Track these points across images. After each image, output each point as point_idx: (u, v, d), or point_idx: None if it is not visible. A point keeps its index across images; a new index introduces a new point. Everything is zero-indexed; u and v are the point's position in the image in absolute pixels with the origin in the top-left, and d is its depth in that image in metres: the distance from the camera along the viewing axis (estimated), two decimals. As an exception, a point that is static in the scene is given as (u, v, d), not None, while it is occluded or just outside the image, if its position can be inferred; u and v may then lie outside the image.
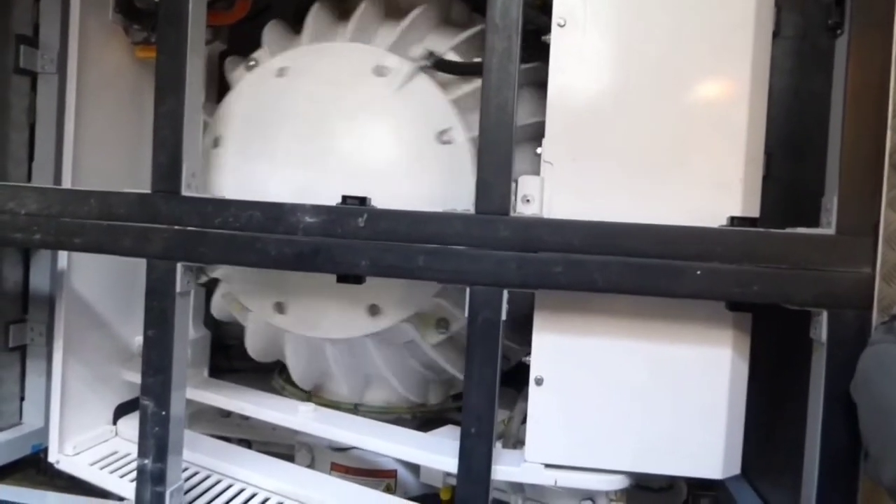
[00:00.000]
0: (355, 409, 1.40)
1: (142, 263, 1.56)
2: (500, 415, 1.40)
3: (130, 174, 1.51)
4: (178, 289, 1.09)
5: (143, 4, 1.37)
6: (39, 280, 1.46)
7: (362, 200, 1.06)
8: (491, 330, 1.02)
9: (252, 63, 1.34)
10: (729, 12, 1.04)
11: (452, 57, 1.27)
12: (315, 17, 1.35)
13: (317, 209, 1.05)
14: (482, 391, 1.02)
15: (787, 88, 1.16)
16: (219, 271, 1.32)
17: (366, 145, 1.21)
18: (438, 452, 1.17)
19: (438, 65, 1.24)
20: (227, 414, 1.67)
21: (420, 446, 1.20)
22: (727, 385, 1.06)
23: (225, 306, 1.46)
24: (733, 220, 1.00)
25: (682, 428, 1.07)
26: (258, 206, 1.07)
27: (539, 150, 1.09)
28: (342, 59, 1.27)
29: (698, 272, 0.96)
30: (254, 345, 1.45)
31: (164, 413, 1.09)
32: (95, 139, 1.43)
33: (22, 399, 1.49)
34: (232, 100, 1.31)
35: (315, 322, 1.29)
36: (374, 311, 1.25)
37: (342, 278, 1.08)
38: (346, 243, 1.04)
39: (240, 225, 1.06)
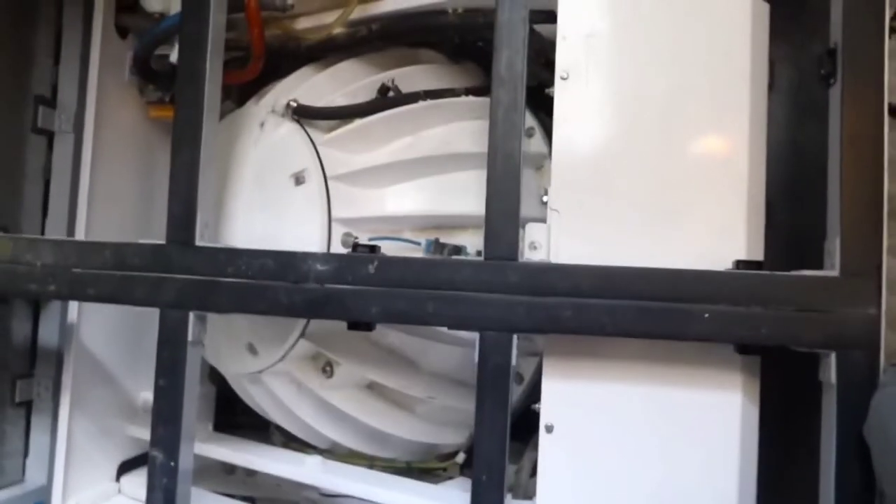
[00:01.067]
0: (322, 454, 1.39)
1: (149, 317, 1.61)
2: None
3: (140, 229, 1.55)
4: (189, 338, 1.10)
5: (159, 66, 1.42)
6: (48, 335, 1.46)
7: (372, 248, 1.08)
8: (501, 375, 1.02)
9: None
10: (727, 64, 1.08)
11: (341, 101, 1.34)
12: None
13: (327, 257, 1.06)
14: (493, 438, 1.02)
15: (784, 140, 1.19)
16: None
17: (240, 192, 1.30)
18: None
19: (297, 112, 1.31)
20: (231, 471, 1.66)
21: (432, 498, 1.19)
22: (739, 431, 1.05)
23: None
24: (739, 264, 1.01)
25: (695, 475, 1.06)
26: (270, 254, 1.08)
27: (545, 199, 1.11)
28: (242, 120, 1.37)
29: (706, 315, 0.97)
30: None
31: (172, 464, 1.09)
32: (108, 195, 1.47)
33: (25, 456, 1.47)
34: None
35: (216, 357, 1.36)
36: (252, 349, 1.29)
37: (353, 325, 1.09)
38: (357, 290, 1.05)
39: (252, 273, 1.08)
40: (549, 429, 1.08)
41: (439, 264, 1.05)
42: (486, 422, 1.02)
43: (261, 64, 1.31)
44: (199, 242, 1.11)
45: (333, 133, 1.30)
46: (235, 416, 1.75)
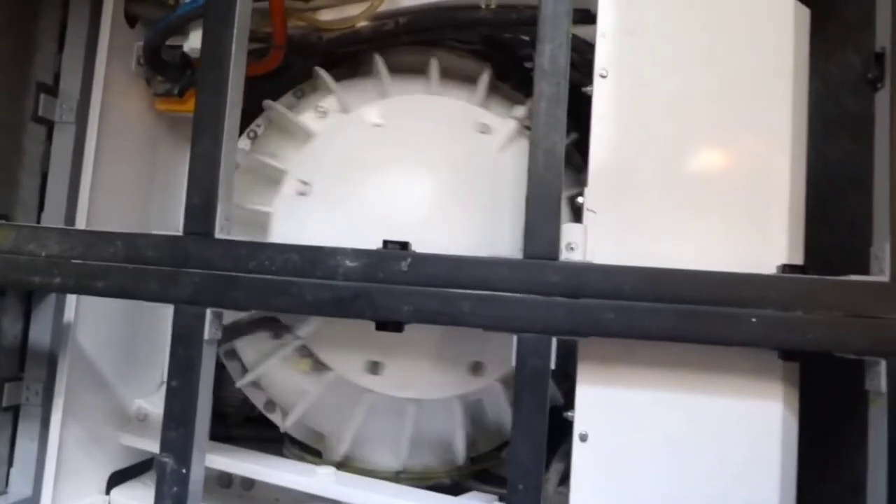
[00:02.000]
0: (396, 476, 1.32)
1: (143, 320, 1.54)
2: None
3: (140, 227, 1.48)
4: (205, 336, 1.03)
5: (170, 56, 1.36)
6: (39, 335, 1.37)
7: (404, 245, 1.03)
8: (539, 379, 0.98)
9: (322, 110, 1.32)
10: (769, 66, 1.06)
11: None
12: (382, 68, 1.35)
13: (358, 253, 1.01)
14: (530, 444, 0.97)
15: (812, 151, 1.17)
16: (303, 330, 1.25)
17: (473, 200, 1.21)
18: (475, 516, 1.10)
19: None
20: (227, 484, 1.58)
21: (455, 510, 1.13)
22: (779, 440, 1.02)
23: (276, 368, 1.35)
24: (785, 268, 0.99)
25: (736, 488, 1.02)
26: (295, 249, 1.03)
27: (580, 199, 1.08)
28: (442, 113, 1.28)
29: (753, 319, 0.94)
30: (300, 412, 1.33)
31: (184, 471, 1.02)
32: (109, 190, 1.40)
33: (10, 465, 1.37)
34: (319, 147, 1.28)
35: (410, 382, 1.24)
36: (476, 369, 1.22)
37: (381, 325, 1.04)
38: (388, 288, 1.00)
39: (275, 269, 1.02)
40: (584, 437, 1.04)
41: (475, 263, 1.00)
42: (523, 428, 0.97)
43: (282, 54, 1.27)
44: (218, 235, 1.05)
45: None
46: (229, 429, 1.67)
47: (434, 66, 1.32)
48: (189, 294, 1.04)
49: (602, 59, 1.08)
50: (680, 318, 0.95)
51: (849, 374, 1.04)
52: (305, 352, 1.27)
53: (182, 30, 1.30)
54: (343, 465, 1.32)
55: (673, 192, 1.06)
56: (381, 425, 1.30)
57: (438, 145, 1.25)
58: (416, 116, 1.28)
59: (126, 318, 1.49)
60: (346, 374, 1.24)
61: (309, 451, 1.41)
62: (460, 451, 1.32)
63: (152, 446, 1.45)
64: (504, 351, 1.00)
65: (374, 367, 1.23)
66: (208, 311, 1.04)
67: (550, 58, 1.01)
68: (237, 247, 1.04)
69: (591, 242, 1.05)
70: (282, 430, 1.40)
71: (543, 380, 0.97)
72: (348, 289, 1.01)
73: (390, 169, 1.23)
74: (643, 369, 1.05)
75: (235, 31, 1.07)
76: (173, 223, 1.65)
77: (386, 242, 1.03)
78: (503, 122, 1.28)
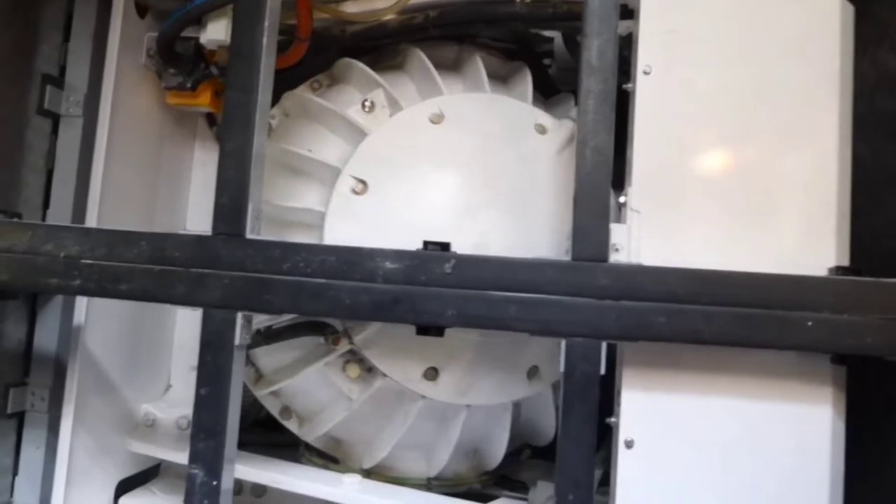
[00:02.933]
0: (428, 483, 1.28)
1: (149, 322, 1.48)
2: (548, 489, 1.32)
3: (146, 224, 1.42)
4: (236, 341, 0.98)
5: (183, 48, 1.31)
6: (45, 339, 1.32)
7: (445, 246, 0.99)
8: (589, 385, 0.94)
9: (368, 104, 1.26)
10: (816, 64, 1.04)
11: None
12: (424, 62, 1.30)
13: (398, 254, 0.97)
14: (580, 453, 0.94)
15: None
16: (360, 336, 1.19)
17: (534, 200, 1.18)
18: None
19: None
20: (237, 491, 1.53)
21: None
22: (829, 446, 1.00)
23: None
24: (837, 270, 0.97)
25: (785, 494, 1.00)
26: (332, 250, 0.99)
27: (622, 199, 1.05)
28: (501, 113, 1.25)
29: (809, 323, 0.92)
30: (338, 419, 1.27)
31: (215, 483, 0.97)
32: (117, 186, 1.33)
33: (15, 474, 1.31)
34: (374, 143, 1.21)
35: (467, 389, 1.20)
36: (532, 373, 1.19)
37: (422, 330, 1.00)
38: (430, 291, 0.96)
39: (311, 271, 0.98)
40: (630, 444, 1.01)
41: (521, 265, 0.97)
42: (572, 436, 0.94)
43: (305, 47, 1.22)
44: (249, 235, 1.00)
45: None
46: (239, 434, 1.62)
47: (479, 63, 1.28)
48: (219, 297, 0.99)
49: (645, 55, 1.05)
50: (734, 321, 0.93)
51: (891, 377, 1.03)
52: (354, 358, 1.22)
53: (199, 20, 1.24)
54: (370, 473, 1.28)
55: (718, 192, 1.03)
56: (424, 432, 1.25)
57: (499, 146, 1.21)
58: (476, 115, 1.23)
59: (132, 319, 1.44)
60: (403, 380, 1.19)
61: (328, 458, 1.37)
62: (500, 456, 1.28)
63: (161, 453, 1.40)
64: (555, 356, 0.97)
65: (432, 374, 1.19)
66: (239, 315, 0.99)
67: (598, 53, 0.98)
68: (270, 248, 0.99)
69: (634, 244, 1.02)
70: (304, 438, 1.35)
71: (593, 386, 0.94)
72: (388, 292, 0.96)
73: (451, 168, 1.19)
74: (689, 373, 1.02)
75: (266, 24, 1.02)
76: (179, 221, 1.59)
77: (426, 243, 0.99)
78: (560, 124, 1.25)
